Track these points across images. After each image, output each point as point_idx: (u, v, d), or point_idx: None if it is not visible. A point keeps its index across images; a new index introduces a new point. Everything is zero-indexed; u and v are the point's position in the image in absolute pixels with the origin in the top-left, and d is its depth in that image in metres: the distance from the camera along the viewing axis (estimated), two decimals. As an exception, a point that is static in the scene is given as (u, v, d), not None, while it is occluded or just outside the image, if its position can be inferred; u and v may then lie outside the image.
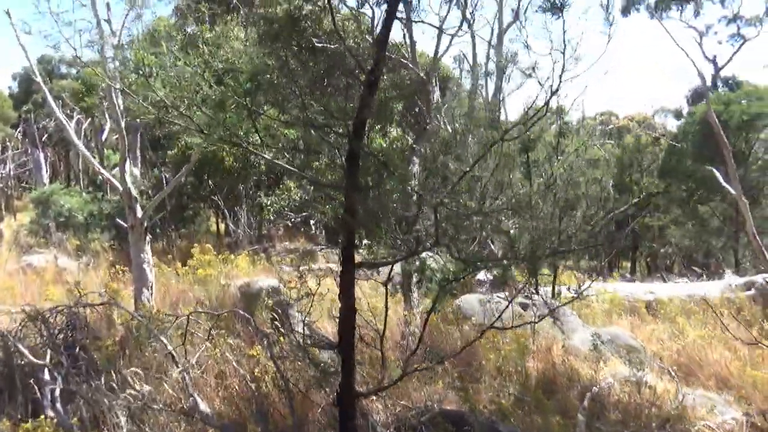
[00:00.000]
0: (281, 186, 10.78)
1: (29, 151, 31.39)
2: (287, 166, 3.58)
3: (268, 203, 10.57)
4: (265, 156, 3.59)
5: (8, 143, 32.58)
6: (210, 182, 12.35)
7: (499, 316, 4.04)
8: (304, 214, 10.63)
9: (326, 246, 13.85)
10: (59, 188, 19.25)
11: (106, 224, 13.06)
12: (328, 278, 4.61)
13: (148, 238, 7.17)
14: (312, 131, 3.30)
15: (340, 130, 3.27)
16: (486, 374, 5.52)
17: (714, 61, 23.52)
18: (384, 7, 3.35)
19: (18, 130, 33.54)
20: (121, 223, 7.19)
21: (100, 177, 23.43)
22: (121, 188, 7.18)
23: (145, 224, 7.07)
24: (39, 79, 7.64)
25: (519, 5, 12.34)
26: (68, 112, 31.84)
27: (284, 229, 14.94)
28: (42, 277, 10.57)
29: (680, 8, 20.21)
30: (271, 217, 10.95)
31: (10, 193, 34.79)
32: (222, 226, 15.56)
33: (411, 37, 8.65)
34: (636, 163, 20.15)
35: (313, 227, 14.91)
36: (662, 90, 66.83)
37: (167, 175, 12.53)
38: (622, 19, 20.26)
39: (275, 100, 3.26)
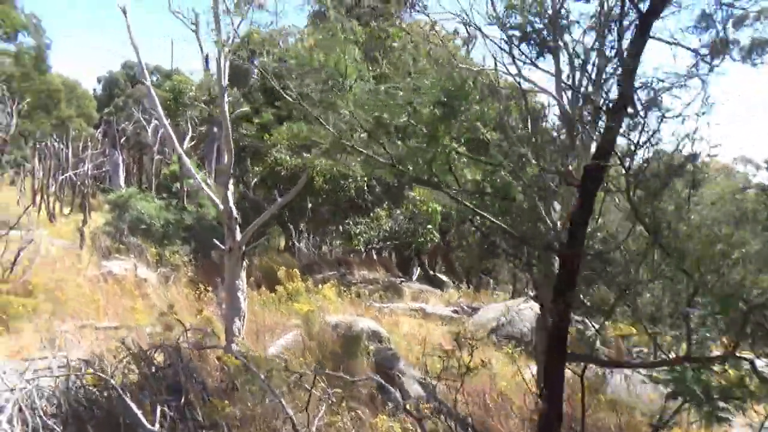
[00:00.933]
0: (371, 214, 10.14)
1: (107, 152, 32.25)
2: (482, 212, 2.83)
3: (357, 231, 9.92)
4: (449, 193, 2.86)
5: (89, 143, 33.67)
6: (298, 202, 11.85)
7: None
8: (390, 244, 9.94)
9: (404, 278, 13.11)
10: (135, 192, 19.34)
11: (186, 236, 12.74)
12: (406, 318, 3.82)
13: (244, 263, 6.60)
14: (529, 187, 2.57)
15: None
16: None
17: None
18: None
19: (99, 130, 34.61)
20: (219, 245, 6.64)
21: (176, 184, 23.53)
22: (221, 207, 6.66)
23: (243, 248, 6.50)
24: (148, 82, 7.31)
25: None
26: (146, 117, 32.70)
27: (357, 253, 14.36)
28: (122, 287, 10.28)
29: None
30: (361, 248, 10.29)
31: (86, 191, 35.95)
32: (289, 244, 15.11)
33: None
34: None
35: (388, 254, 14.25)
36: None
37: (252, 192, 12.10)
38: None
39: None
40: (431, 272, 14.74)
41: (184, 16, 6.73)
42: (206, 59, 24.27)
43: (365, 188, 9.73)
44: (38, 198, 32.92)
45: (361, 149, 2.57)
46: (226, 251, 6.50)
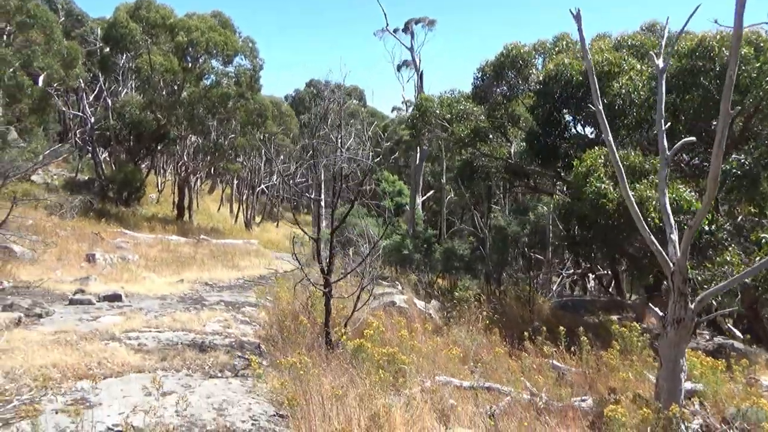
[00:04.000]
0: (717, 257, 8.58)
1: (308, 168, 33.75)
2: None
3: (697, 276, 8.41)
4: None
5: (280, 156, 35.51)
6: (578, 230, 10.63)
7: None
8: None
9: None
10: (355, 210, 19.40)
11: (462, 266, 11.99)
12: None
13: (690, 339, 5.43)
14: None
15: None
16: None
17: None
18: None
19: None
20: (656, 310, 5.51)
21: (385, 203, 23.42)
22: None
23: (695, 320, 5.32)
24: (599, 106, 6.45)
25: None
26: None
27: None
28: (409, 323, 9.64)
29: None
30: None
31: (276, 202, 38.33)
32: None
33: None
34: None
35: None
36: None
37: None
38: None
39: None
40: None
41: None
42: (421, 77, 24.03)
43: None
44: (235, 207, 35.45)
45: None
46: (668, 322, 5.36)
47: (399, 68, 36.02)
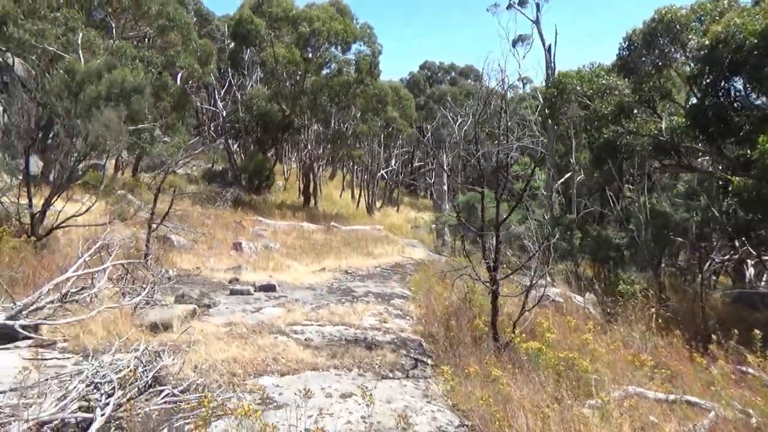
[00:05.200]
0: None
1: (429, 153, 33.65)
2: None
3: None
4: None
5: (399, 141, 35.52)
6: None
7: None
8: None
9: None
10: (487, 193, 18.77)
11: (617, 256, 11.01)
12: None
13: None
14: None
15: None
16: None
17: None
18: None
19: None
20: None
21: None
22: None
23: None
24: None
25: None
26: (452, 115, 32.67)
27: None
28: (564, 317, 8.92)
29: None
30: None
31: (396, 187, 38.57)
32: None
33: None
34: None
35: None
36: None
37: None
38: None
39: None
40: None
41: None
42: (549, 49, 22.62)
43: None
44: (356, 192, 36.13)
45: None
46: None
47: (514, 44, 34.38)
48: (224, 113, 30.89)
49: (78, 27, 20.13)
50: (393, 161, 36.44)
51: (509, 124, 7.07)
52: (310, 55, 28.22)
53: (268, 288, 9.92)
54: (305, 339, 7.02)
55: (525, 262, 7.43)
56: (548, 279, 11.60)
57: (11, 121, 12.24)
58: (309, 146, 29.31)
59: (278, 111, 28.32)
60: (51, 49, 18.81)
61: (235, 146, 31.63)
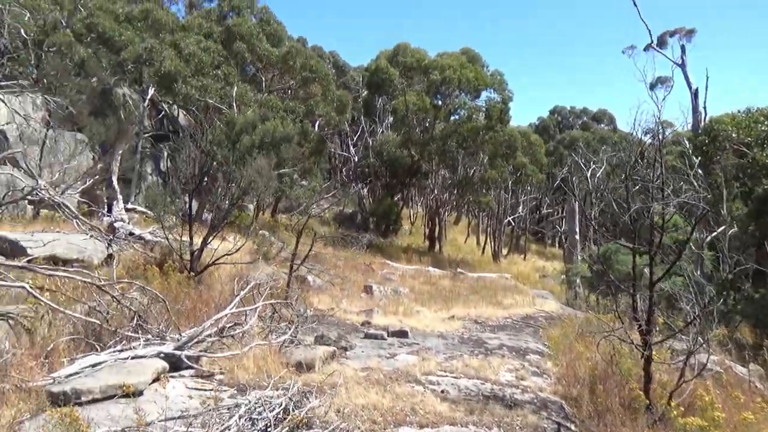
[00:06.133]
0: None
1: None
2: None
3: None
4: None
5: (527, 188, 34.73)
6: None
7: None
8: None
9: None
10: (619, 247, 17.62)
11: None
12: None
13: None
14: None
15: None
16: None
17: None
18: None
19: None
20: None
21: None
22: None
23: None
24: None
25: None
26: (584, 161, 31.39)
27: None
28: (726, 391, 7.92)
29: None
30: None
31: (523, 234, 37.69)
32: None
33: None
34: None
35: None
36: None
37: None
38: None
39: None
40: None
41: None
42: (695, 94, 21.12)
43: None
44: (482, 238, 35.72)
45: None
46: None
47: (652, 87, 32.50)
48: (356, 158, 32.38)
49: (234, 82, 22.51)
50: (521, 207, 35.63)
51: (664, 177, 6.63)
52: (440, 102, 28.90)
53: (401, 334, 10.01)
54: (441, 390, 6.93)
55: (685, 326, 6.78)
56: (700, 342, 10.48)
57: (177, 167, 13.68)
58: (436, 191, 29.66)
59: (407, 156, 29.13)
60: (211, 102, 21.18)
61: (365, 190, 32.90)
